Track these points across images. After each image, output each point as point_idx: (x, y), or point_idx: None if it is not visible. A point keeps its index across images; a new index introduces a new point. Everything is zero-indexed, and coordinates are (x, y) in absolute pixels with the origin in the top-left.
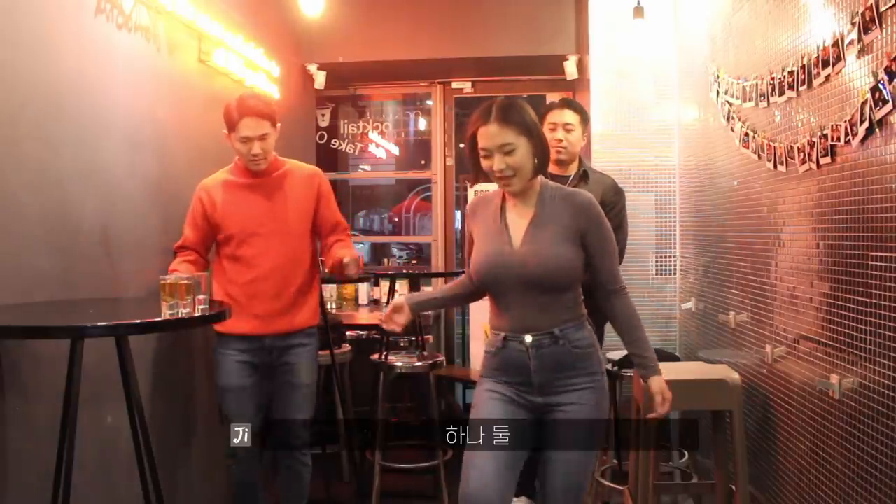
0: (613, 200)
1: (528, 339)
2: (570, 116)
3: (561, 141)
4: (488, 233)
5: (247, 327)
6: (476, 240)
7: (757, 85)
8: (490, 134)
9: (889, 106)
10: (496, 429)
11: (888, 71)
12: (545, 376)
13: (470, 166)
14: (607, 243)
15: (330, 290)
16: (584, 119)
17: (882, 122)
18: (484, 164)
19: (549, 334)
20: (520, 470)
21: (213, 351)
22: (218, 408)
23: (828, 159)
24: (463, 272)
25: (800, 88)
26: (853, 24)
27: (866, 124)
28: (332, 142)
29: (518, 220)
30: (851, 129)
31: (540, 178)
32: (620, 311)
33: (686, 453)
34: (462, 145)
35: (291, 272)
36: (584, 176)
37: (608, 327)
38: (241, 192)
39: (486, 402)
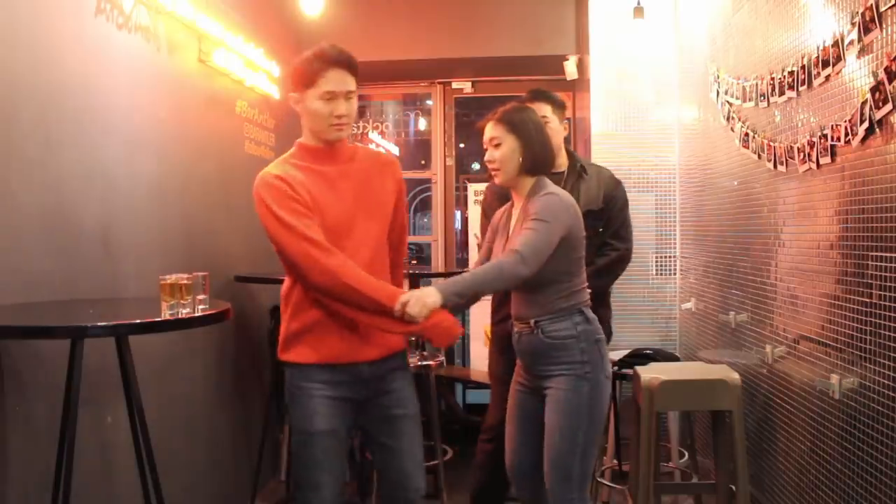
0: (615, 195)
1: (515, 327)
2: (542, 108)
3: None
4: (494, 227)
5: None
6: (485, 240)
7: (757, 85)
8: (487, 129)
9: (889, 106)
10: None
11: (888, 71)
12: (527, 361)
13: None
14: (531, 222)
15: None
16: (558, 106)
17: (882, 122)
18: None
19: (527, 324)
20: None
21: (291, 386)
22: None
23: (828, 159)
24: (462, 271)
25: (800, 88)
26: (853, 24)
27: (866, 124)
28: None
29: (515, 218)
30: (851, 129)
31: (538, 178)
32: (494, 262)
33: (686, 453)
34: (462, 145)
35: (384, 279)
36: (581, 171)
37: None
38: (327, 181)
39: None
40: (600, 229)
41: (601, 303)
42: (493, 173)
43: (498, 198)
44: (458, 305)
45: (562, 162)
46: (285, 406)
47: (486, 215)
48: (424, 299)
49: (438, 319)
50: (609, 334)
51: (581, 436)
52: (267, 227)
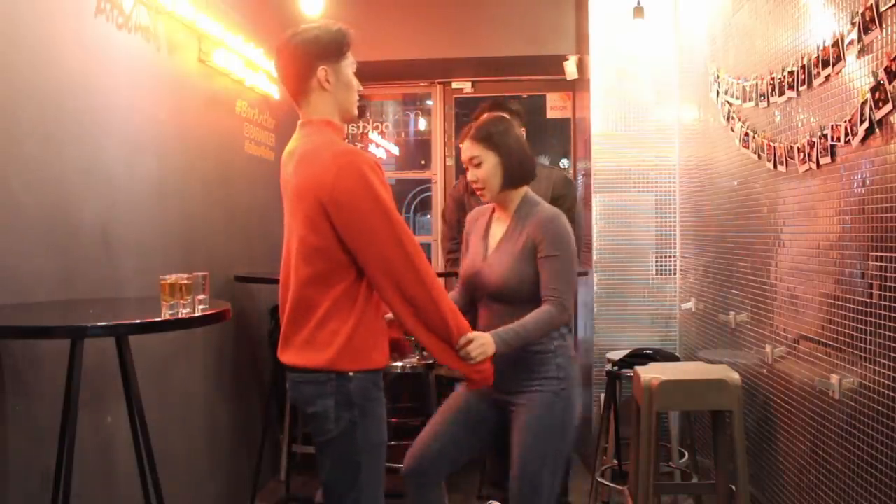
0: (564, 193)
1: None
2: None
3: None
4: (474, 243)
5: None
6: (467, 248)
7: (757, 85)
8: (464, 148)
9: (889, 106)
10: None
11: (888, 71)
12: (499, 375)
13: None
14: (556, 260)
15: None
16: (514, 114)
17: (882, 122)
18: (467, 175)
19: None
20: (468, 454)
21: (366, 397)
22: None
23: (828, 159)
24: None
25: (800, 88)
26: (853, 24)
27: (866, 124)
28: None
29: (496, 233)
30: (851, 129)
31: (523, 191)
32: (538, 310)
33: (686, 453)
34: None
35: None
36: None
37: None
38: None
39: (456, 393)
40: None
41: None
42: (478, 193)
43: (457, 205)
44: None
45: None
46: (283, 406)
47: (446, 220)
48: (487, 347)
49: (485, 367)
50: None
51: (551, 454)
52: (372, 213)
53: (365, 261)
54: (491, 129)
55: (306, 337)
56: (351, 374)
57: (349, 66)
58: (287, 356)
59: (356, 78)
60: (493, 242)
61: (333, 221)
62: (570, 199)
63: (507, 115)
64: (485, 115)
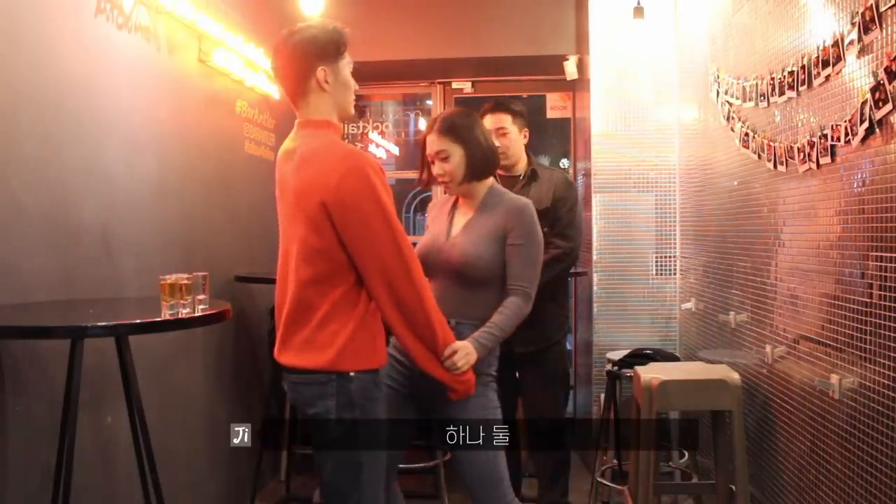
0: (565, 196)
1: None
2: (502, 119)
3: (498, 146)
4: (435, 225)
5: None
6: (426, 231)
7: (757, 85)
8: (429, 142)
9: (889, 106)
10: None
11: (888, 71)
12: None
13: (420, 169)
14: (523, 248)
15: None
16: (517, 116)
17: (882, 122)
18: (432, 168)
19: (462, 325)
20: (405, 448)
21: (366, 396)
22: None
23: (828, 159)
24: None
25: (800, 88)
26: (853, 24)
27: (866, 124)
28: None
29: (460, 219)
30: (851, 129)
31: (489, 182)
32: (504, 305)
33: (686, 453)
34: None
35: None
36: (532, 175)
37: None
38: None
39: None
40: (546, 228)
41: (549, 299)
42: (444, 186)
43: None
44: None
45: (521, 167)
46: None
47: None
48: (470, 356)
49: (468, 377)
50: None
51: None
52: (374, 216)
53: (362, 263)
54: (457, 122)
55: (307, 337)
56: (352, 374)
57: (347, 65)
58: (286, 357)
59: (353, 77)
60: (456, 227)
61: (335, 222)
62: (570, 200)
63: (507, 116)
64: (449, 109)
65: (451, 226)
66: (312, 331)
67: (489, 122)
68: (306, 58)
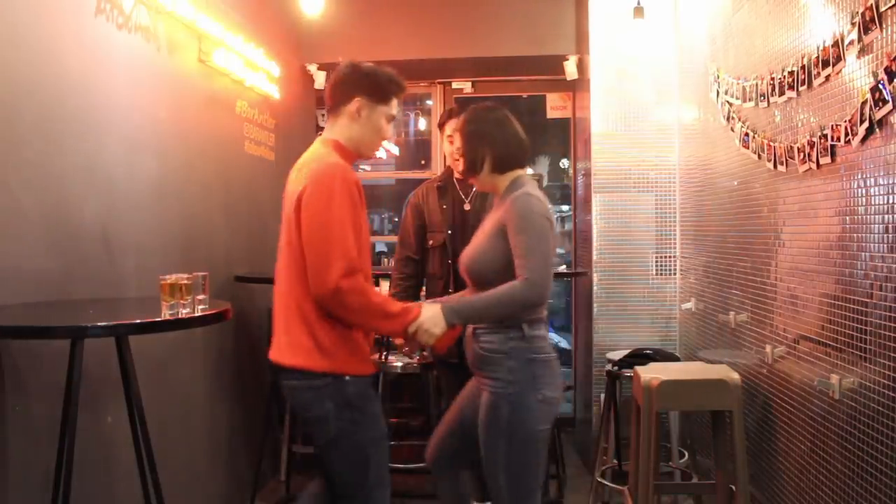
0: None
1: (468, 330)
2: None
3: (454, 153)
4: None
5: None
6: None
7: (757, 85)
8: (455, 139)
9: (889, 106)
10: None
11: (888, 71)
12: (468, 363)
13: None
14: (520, 238)
15: None
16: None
17: (882, 122)
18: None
19: (481, 331)
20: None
21: (361, 396)
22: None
23: (828, 159)
24: None
25: (800, 88)
26: (853, 24)
27: (866, 124)
28: None
29: (486, 219)
30: (851, 129)
31: (512, 176)
32: (497, 287)
33: (686, 453)
34: None
35: None
36: None
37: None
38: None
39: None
40: None
41: None
42: (471, 182)
43: (415, 213)
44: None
45: None
46: (283, 406)
47: (401, 240)
48: (431, 330)
49: (445, 340)
50: None
51: (502, 456)
52: (324, 221)
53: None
54: (467, 119)
55: (300, 340)
56: (347, 378)
57: (384, 114)
58: (282, 357)
59: (389, 130)
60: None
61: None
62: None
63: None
64: (473, 106)
65: (478, 229)
66: (306, 333)
67: (451, 127)
68: (354, 85)
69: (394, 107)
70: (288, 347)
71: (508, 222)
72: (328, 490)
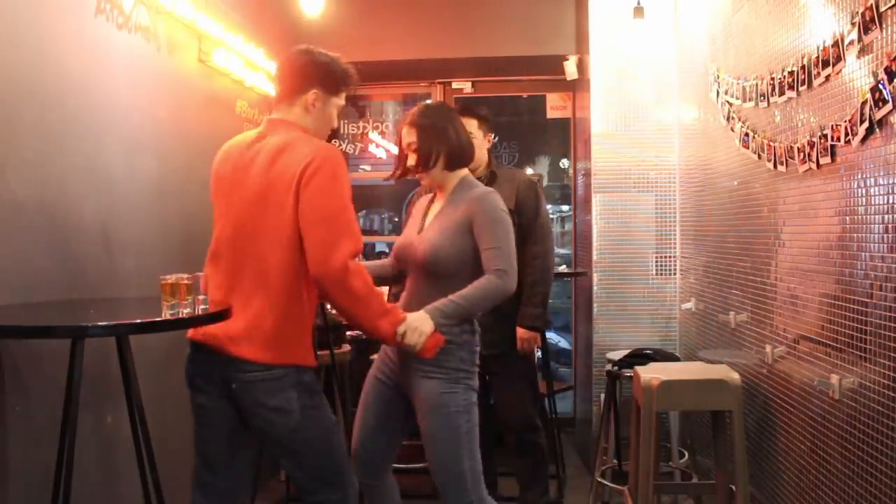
0: (525, 199)
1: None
2: (468, 124)
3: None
4: (412, 220)
5: None
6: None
7: (757, 85)
8: (404, 134)
9: (889, 106)
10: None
11: (888, 71)
12: (403, 357)
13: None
14: (488, 233)
15: None
16: (483, 120)
17: (882, 122)
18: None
19: None
20: (400, 438)
21: (315, 386)
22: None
23: (828, 159)
24: None
25: (800, 88)
26: (853, 24)
27: (866, 124)
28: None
29: (434, 212)
30: (851, 129)
31: (460, 175)
32: (474, 283)
33: (686, 453)
34: None
35: None
36: (491, 177)
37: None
38: None
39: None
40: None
41: (518, 300)
42: (418, 176)
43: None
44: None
45: (481, 170)
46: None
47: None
48: (421, 329)
49: (431, 344)
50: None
51: (464, 436)
52: (334, 202)
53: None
54: (426, 116)
55: (261, 326)
56: (304, 367)
57: (335, 105)
58: (238, 349)
59: (339, 114)
60: (430, 220)
61: (299, 195)
62: (532, 207)
63: (473, 120)
64: (424, 102)
65: (424, 220)
66: (267, 317)
67: None
68: (310, 76)
69: (343, 98)
70: (245, 334)
71: (477, 219)
72: (298, 492)
